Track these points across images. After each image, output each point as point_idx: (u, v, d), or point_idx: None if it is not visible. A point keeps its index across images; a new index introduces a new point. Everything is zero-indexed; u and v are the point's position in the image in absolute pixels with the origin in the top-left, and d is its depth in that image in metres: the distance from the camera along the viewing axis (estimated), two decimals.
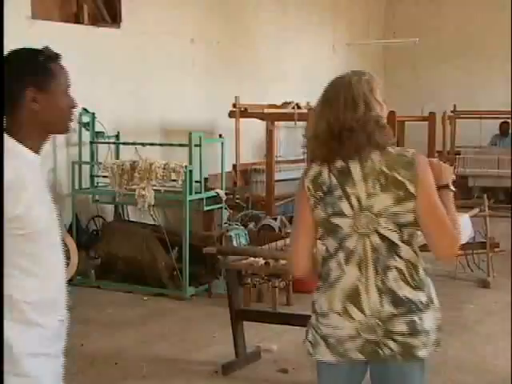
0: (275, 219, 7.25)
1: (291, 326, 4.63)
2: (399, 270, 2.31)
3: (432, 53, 12.85)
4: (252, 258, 4.89)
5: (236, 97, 8.12)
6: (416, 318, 2.30)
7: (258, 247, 5.37)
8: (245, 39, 9.99)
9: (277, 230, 6.95)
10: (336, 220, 2.33)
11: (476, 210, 7.00)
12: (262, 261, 4.88)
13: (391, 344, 2.30)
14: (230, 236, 6.51)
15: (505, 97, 11.57)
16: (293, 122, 8.03)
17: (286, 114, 8.24)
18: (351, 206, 2.31)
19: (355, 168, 2.31)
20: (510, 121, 11.88)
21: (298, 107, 8.25)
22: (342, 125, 2.30)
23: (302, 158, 7.79)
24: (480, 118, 11.65)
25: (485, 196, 7.47)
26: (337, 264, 2.36)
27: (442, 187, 2.39)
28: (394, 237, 2.30)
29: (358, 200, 2.30)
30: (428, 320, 2.32)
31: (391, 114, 8.24)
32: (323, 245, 2.43)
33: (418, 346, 2.30)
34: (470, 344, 5.30)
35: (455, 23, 12.92)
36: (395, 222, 2.28)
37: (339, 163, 2.33)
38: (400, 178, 2.26)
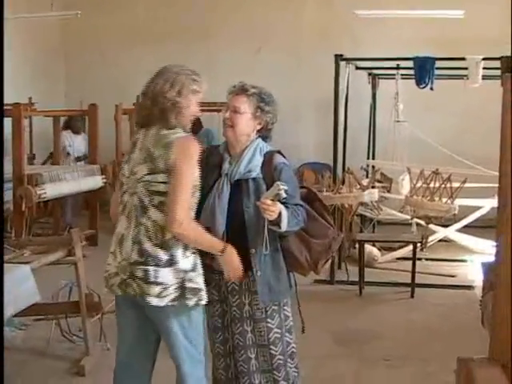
0: None
1: None
2: (146, 228, 2.79)
3: (122, 36, 11.17)
4: None
5: None
6: (151, 270, 2.75)
7: None
8: None
9: None
10: (122, 178, 2.92)
11: (59, 254, 4.47)
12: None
13: (134, 285, 2.78)
14: None
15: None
16: None
17: None
18: (128, 169, 2.88)
19: (140, 141, 2.87)
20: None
21: None
22: (158, 103, 2.79)
23: None
24: None
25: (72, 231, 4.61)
26: (119, 214, 2.90)
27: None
28: (146, 200, 2.80)
29: (133, 165, 2.86)
30: (164, 275, 2.75)
31: (16, 107, 7.15)
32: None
33: (150, 294, 2.75)
34: None
35: (147, 4, 11.26)
36: (147, 189, 2.79)
37: (139, 134, 2.89)
38: (156, 154, 2.78)
